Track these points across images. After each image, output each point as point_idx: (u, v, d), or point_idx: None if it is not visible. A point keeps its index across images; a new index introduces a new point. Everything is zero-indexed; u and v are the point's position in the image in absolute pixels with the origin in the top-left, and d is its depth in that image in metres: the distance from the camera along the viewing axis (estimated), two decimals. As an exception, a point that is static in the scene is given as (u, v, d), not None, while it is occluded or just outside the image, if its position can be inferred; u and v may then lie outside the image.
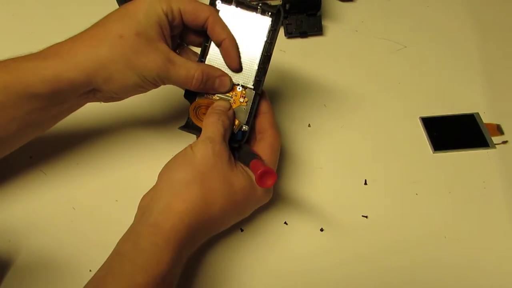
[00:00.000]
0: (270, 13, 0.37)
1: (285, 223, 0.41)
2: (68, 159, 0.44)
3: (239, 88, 0.39)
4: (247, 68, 0.38)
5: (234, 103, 0.39)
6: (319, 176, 0.44)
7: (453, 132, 0.47)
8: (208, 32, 0.37)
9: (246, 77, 0.38)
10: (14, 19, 0.57)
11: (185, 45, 0.40)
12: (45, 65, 0.33)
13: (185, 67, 0.36)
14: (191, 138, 0.39)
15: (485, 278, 0.38)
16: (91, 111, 0.43)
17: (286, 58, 0.53)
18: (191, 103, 0.39)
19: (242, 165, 0.36)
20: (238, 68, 0.38)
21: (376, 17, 0.58)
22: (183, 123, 0.39)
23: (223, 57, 0.38)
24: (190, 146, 0.34)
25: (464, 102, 0.50)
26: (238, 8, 0.38)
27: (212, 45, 0.38)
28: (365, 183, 0.44)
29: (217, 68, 0.38)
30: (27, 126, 0.36)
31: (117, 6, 0.53)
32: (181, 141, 0.39)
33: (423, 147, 0.46)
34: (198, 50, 0.39)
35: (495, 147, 0.46)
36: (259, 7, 0.37)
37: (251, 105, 0.38)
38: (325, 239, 0.40)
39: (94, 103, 0.39)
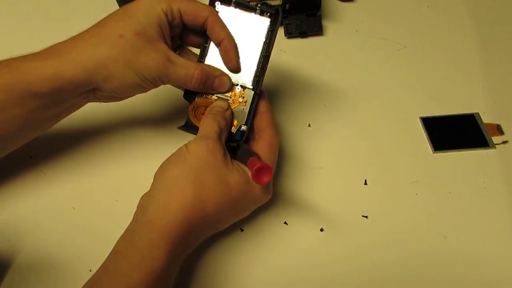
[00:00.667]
0: (268, 14, 0.38)
1: (285, 223, 0.41)
2: (68, 159, 0.44)
3: (238, 88, 0.39)
4: (246, 68, 0.38)
5: (233, 103, 0.39)
6: (319, 176, 0.44)
7: (453, 132, 0.47)
8: (207, 32, 0.37)
9: (245, 77, 0.38)
10: (14, 19, 0.57)
11: (185, 46, 0.40)
12: (46, 64, 0.34)
13: (184, 66, 0.36)
14: (190, 138, 0.38)
15: (485, 278, 0.38)
16: (91, 111, 0.43)
17: (286, 58, 0.53)
18: (190, 103, 0.39)
19: (239, 163, 0.35)
20: (237, 68, 0.38)
21: (376, 17, 0.58)
22: (182, 123, 0.40)
23: (222, 57, 0.38)
24: (185, 145, 0.35)
25: (464, 102, 0.49)
26: (237, 9, 0.38)
27: (212, 45, 0.38)
28: (365, 183, 0.44)
29: (216, 67, 0.38)
30: (28, 125, 0.36)
31: (117, 7, 0.53)
32: (180, 141, 0.38)
33: (423, 147, 0.46)
34: (197, 51, 0.39)
35: (495, 147, 0.46)
36: (257, 8, 0.38)
37: (250, 105, 0.38)
38: (325, 239, 0.40)
39: (94, 103, 0.39)
